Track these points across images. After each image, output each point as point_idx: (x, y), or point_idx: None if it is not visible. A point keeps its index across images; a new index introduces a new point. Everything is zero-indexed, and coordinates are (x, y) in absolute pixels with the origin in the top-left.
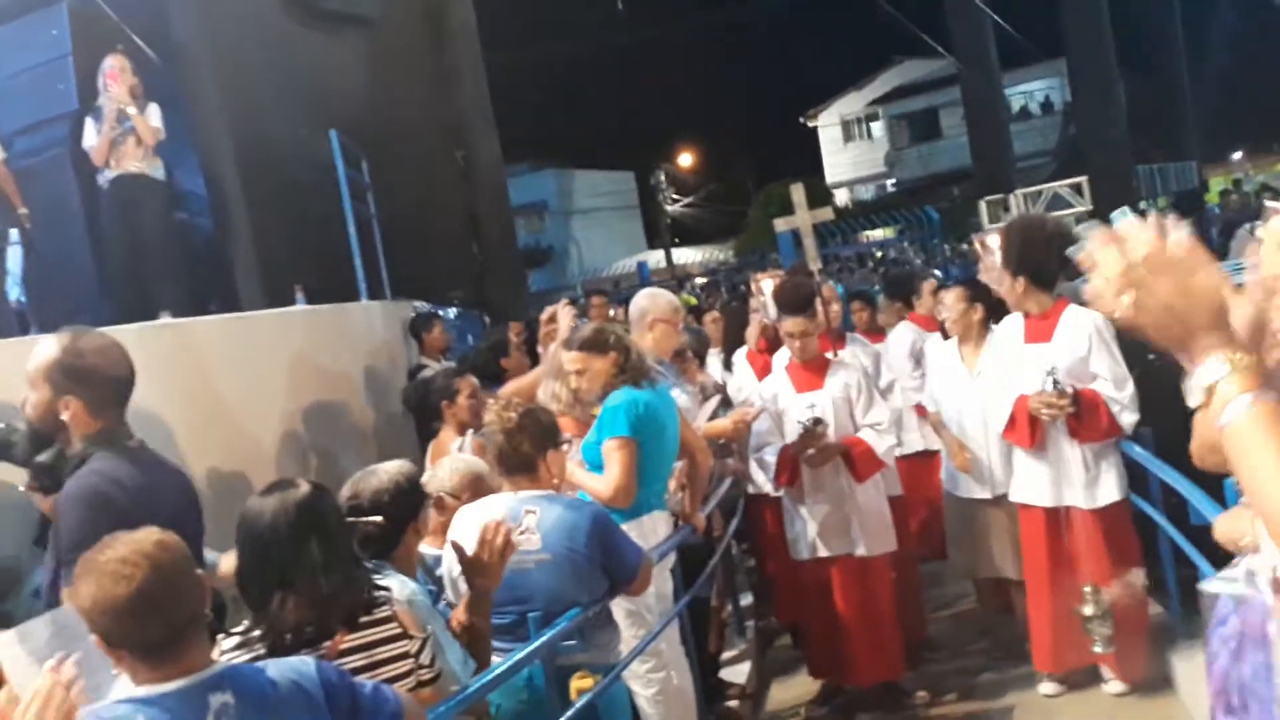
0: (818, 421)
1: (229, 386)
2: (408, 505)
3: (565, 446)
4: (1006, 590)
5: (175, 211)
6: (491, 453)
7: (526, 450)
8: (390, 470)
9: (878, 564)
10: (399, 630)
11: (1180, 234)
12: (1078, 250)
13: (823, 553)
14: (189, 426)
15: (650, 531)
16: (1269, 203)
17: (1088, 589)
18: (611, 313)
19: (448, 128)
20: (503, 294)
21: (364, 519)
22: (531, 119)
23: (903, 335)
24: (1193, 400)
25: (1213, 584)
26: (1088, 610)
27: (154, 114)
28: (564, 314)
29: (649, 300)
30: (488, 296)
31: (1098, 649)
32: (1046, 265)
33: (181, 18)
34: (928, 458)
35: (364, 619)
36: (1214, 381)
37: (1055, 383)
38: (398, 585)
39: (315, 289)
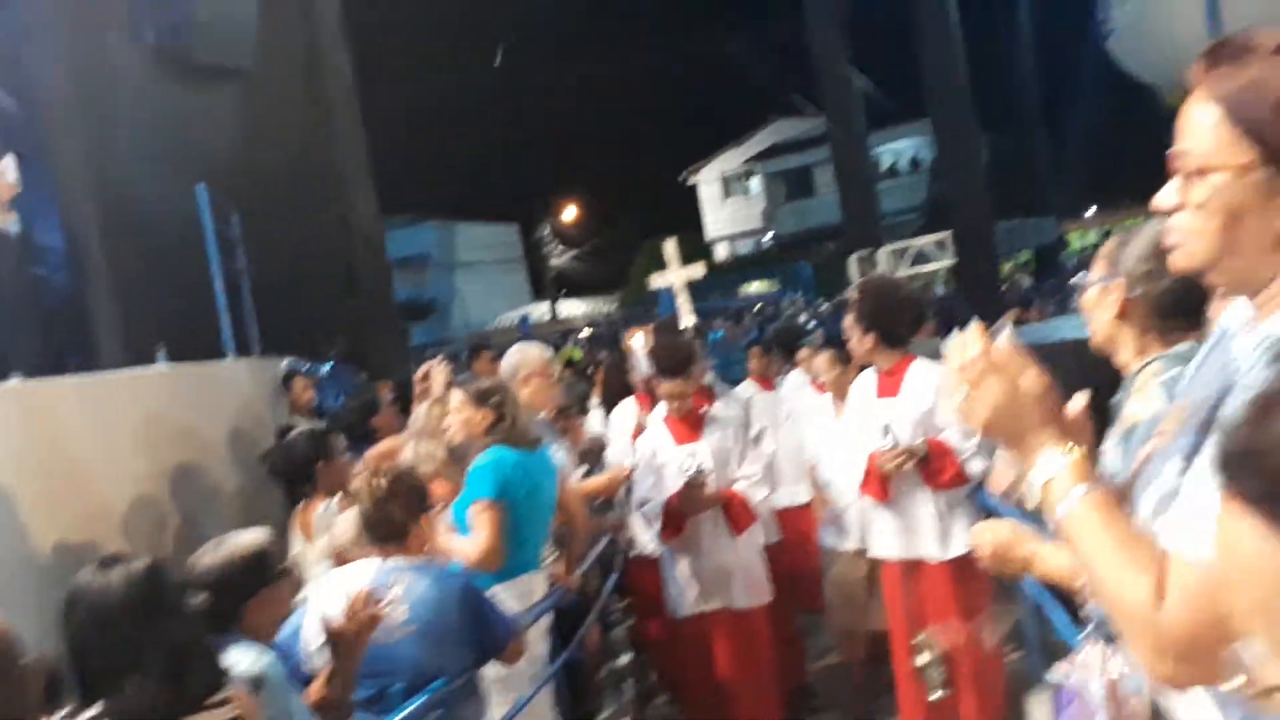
0: (700, 471)
1: (82, 451)
2: (242, 582)
3: (435, 509)
4: (875, 641)
5: (30, 267)
6: (359, 521)
7: (399, 518)
8: (230, 545)
9: (755, 615)
10: (236, 716)
11: (1006, 337)
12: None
13: (701, 607)
14: (37, 495)
15: (526, 593)
16: (1083, 276)
17: (921, 637)
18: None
19: (324, 181)
20: (382, 348)
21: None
22: (414, 172)
23: (798, 380)
24: (1030, 501)
25: (1055, 673)
26: (921, 658)
27: (9, 166)
28: (437, 372)
29: (520, 355)
30: (366, 351)
31: (933, 696)
32: (896, 325)
33: (43, 68)
34: (808, 508)
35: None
36: (1049, 478)
37: (895, 440)
38: (247, 661)
39: (183, 347)
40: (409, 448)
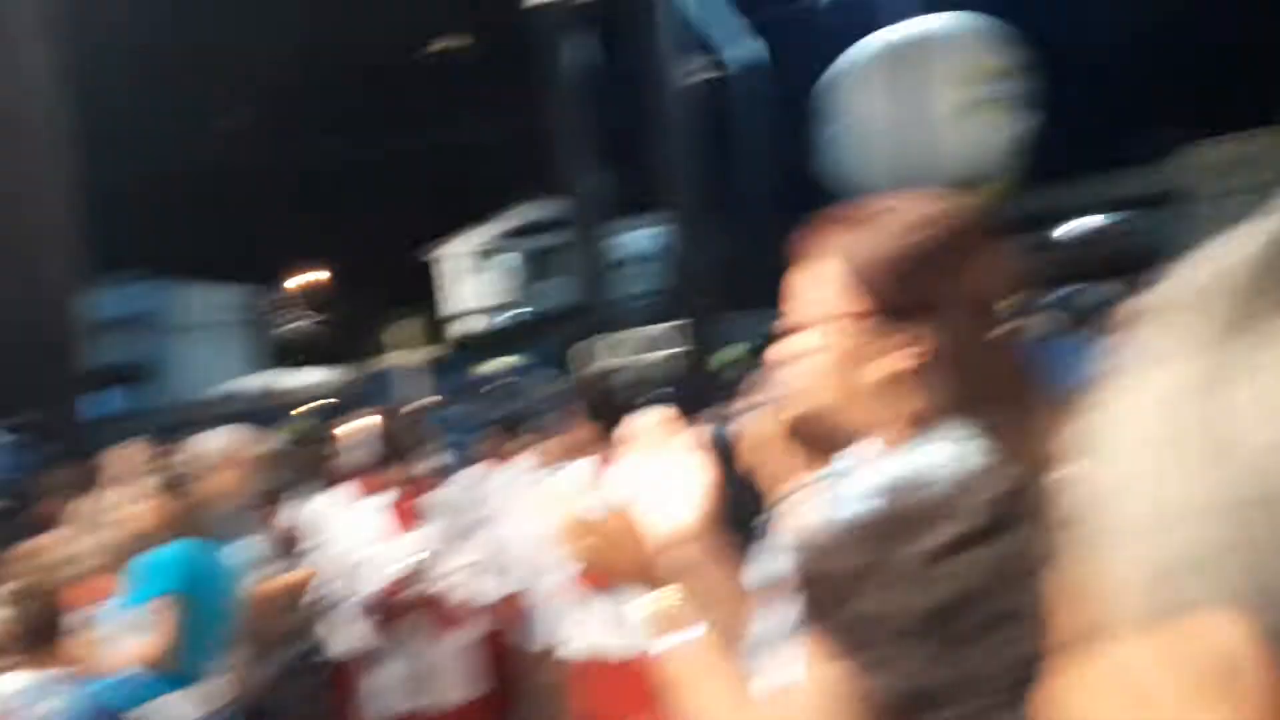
0: (422, 561)
1: None
2: None
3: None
4: None
5: None
6: (8, 627)
7: (54, 623)
8: None
9: (467, 712)
10: None
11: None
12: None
13: (409, 704)
14: None
15: (206, 699)
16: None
17: None
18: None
19: (14, 240)
20: (77, 419)
21: None
22: (141, 231)
23: (528, 463)
24: (639, 633)
25: None
26: None
27: None
28: (128, 455)
29: (220, 440)
30: (59, 422)
31: None
32: (617, 415)
33: None
34: (519, 598)
35: None
36: (658, 609)
37: None
38: None
39: None
40: (76, 540)
